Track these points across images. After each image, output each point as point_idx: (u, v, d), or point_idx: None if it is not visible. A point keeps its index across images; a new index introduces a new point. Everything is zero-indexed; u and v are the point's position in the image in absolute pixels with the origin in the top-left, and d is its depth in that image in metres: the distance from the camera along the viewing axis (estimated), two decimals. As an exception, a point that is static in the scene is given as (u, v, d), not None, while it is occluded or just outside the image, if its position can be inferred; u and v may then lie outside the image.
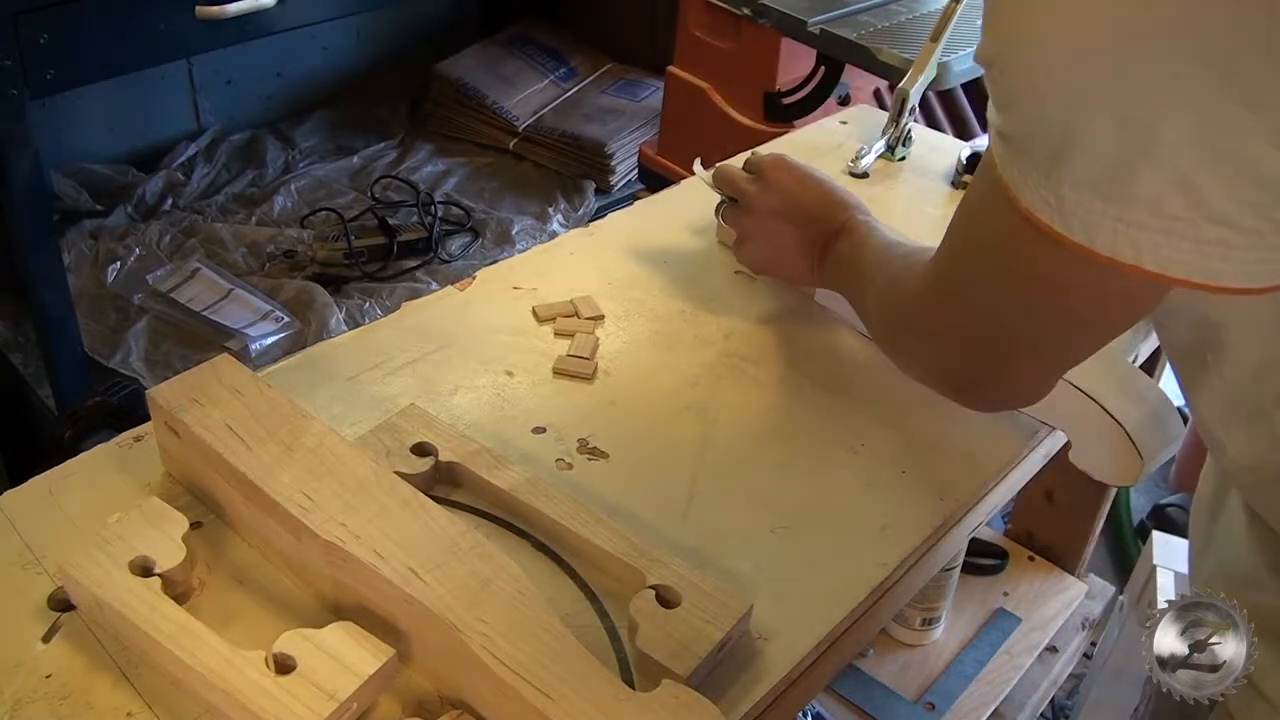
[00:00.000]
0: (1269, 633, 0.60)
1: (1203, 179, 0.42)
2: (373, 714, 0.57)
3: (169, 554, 0.61)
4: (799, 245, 0.86)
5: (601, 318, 0.90)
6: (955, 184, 1.12)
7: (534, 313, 0.89)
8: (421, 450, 0.71)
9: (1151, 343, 0.95)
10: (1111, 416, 0.76)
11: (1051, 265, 0.49)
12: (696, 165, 0.98)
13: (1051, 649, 1.31)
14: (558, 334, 0.88)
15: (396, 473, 0.65)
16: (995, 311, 0.56)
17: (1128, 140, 0.42)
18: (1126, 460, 0.76)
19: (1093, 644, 1.39)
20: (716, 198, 0.94)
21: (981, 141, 1.18)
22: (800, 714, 1.13)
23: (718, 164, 0.95)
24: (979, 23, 0.47)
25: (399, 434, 0.72)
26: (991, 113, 0.48)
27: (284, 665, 0.56)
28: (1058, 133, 0.44)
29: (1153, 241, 0.44)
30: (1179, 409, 0.79)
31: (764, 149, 1.22)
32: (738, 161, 0.94)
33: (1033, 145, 0.46)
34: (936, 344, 0.63)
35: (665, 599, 0.62)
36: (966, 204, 0.56)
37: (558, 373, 0.83)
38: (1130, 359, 0.93)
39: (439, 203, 2.10)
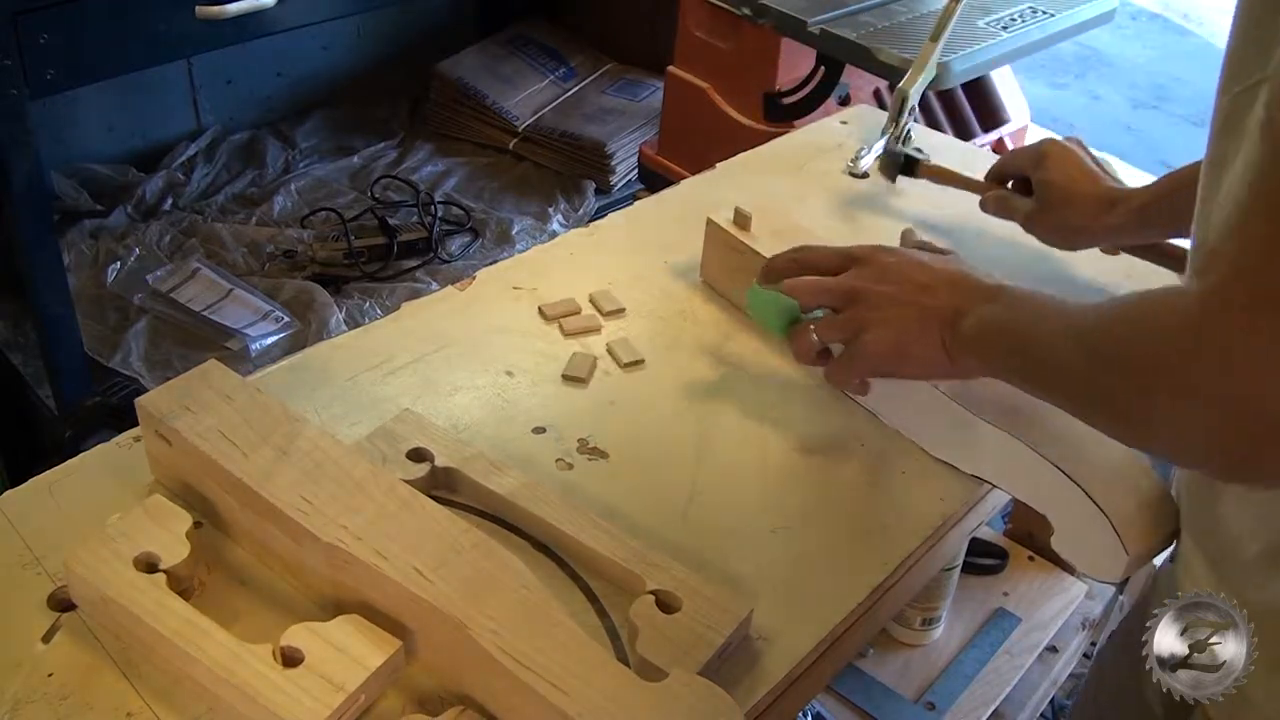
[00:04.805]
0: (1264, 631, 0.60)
1: None
2: (377, 708, 0.57)
3: (173, 550, 0.61)
4: (924, 324, 0.72)
5: (622, 310, 0.90)
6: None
7: (540, 311, 0.90)
8: (418, 456, 0.71)
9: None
10: (1097, 506, 0.69)
11: None
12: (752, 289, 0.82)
13: (1051, 649, 1.31)
14: (567, 334, 0.87)
15: (395, 476, 0.65)
16: None
17: None
18: (1112, 555, 0.70)
19: (1093, 644, 1.39)
20: (714, 201, 0.93)
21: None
22: (800, 714, 1.13)
23: (786, 281, 0.77)
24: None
25: (395, 439, 0.71)
26: None
27: (291, 658, 0.56)
28: None
29: None
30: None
31: (765, 148, 1.23)
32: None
33: None
34: (1227, 377, 0.50)
35: (665, 604, 0.62)
36: (1261, 183, 0.49)
37: (566, 377, 0.83)
38: None
39: (439, 203, 2.10)
